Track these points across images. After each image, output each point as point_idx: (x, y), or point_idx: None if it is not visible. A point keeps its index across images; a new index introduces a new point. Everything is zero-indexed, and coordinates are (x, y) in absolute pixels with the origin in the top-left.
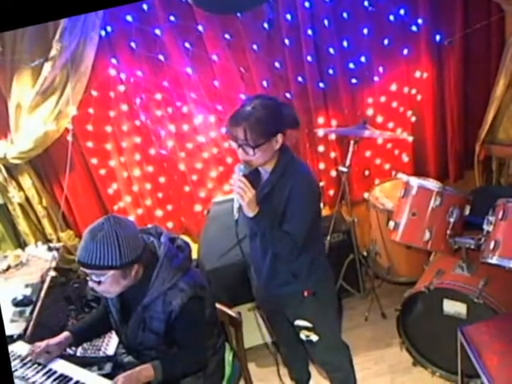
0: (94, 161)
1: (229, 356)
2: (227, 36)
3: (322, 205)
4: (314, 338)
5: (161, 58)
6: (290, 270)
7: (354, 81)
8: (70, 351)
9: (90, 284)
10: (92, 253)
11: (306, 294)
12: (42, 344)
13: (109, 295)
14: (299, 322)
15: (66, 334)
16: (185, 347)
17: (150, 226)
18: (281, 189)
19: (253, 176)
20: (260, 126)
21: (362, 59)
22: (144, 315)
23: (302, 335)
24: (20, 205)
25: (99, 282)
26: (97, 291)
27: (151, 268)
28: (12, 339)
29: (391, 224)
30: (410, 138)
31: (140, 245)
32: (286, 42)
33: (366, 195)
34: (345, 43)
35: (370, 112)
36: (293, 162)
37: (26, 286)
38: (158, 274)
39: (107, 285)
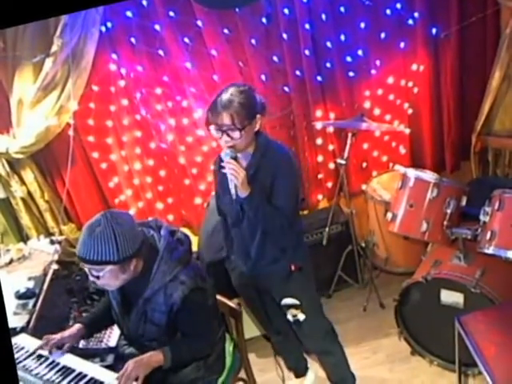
0: (95, 155)
1: (229, 347)
2: (226, 31)
3: (301, 179)
4: (301, 316)
5: (160, 53)
6: (278, 247)
7: (351, 74)
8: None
9: (91, 278)
10: (90, 249)
11: (293, 268)
12: (57, 336)
13: (109, 288)
14: (287, 301)
15: (78, 325)
16: (190, 336)
17: (150, 219)
18: (265, 168)
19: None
20: (244, 108)
21: (359, 53)
22: (145, 308)
23: (290, 316)
24: (22, 199)
25: (98, 277)
26: (98, 285)
27: (151, 261)
28: (15, 332)
29: (389, 215)
30: (407, 130)
31: (138, 239)
32: (284, 36)
33: (363, 187)
34: (342, 37)
35: (367, 105)
36: (270, 142)
37: (29, 278)
38: (159, 267)
39: (106, 279)
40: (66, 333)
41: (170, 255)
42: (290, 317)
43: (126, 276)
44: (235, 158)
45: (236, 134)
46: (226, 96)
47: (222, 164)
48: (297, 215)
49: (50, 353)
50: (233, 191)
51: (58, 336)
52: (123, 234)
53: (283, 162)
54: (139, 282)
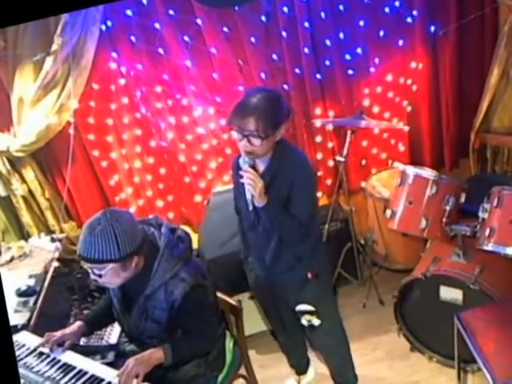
0: (96, 153)
1: (229, 343)
2: (225, 29)
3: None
4: (316, 322)
5: (160, 51)
6: (294, 254)
7: (350, 72)
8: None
9: (92, 277)
10: (91, 247)
11: (309, 275)
12: (57, 333)
13: (111, 286)
14: (301, 307)
15: (79, 323)
16: (190, 334)
17: (150, 216)
18: (283, 174)
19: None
20: (269, 116)
21: (359, 51)
22: (146, 305)
23: (304, 320)
24: (23, 197)
25: (100, 275)
26: (100, 283)
27: (152, 258)
28: (16, 329)
29: (388, 212)
30: (406, 128)
31: (139, 237)
32: (284, 34)
33: (363, 184)
34: (341, 35)
35: (366, 102)
36: (288, 148)
37: (30, 276)
38: (159, 265)
39: (108, 277)
40: (67, 330)
41: (171, 252)
42: (304, 322)
43: (128, 273)
44: (253, 166)
45: (257, 142)
46: (254, 100)
47: (240, 172)
48: (314, 223)
49: (51, 350)
50: (249, 200)
51: (58, 333)
52: (123, 232)
53: (301, 169)
54: (140, 279)
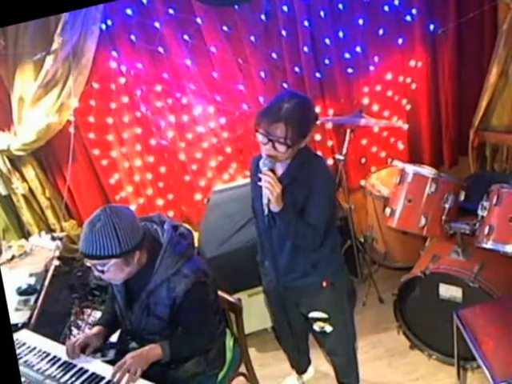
0: (96, 152)
1: (229, 342)
2: (225, 28)
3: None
4: (328, 328)
5: (160, 50)
6: (309, 261)
7: (349, 70)
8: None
9: (96, 273)
10: (92, 244)
11: (324, 284)
12: (80, 337)
13: (115, 282)
14: (314, 314)
15: (98, 327)
16: (190, 331)
17: (153, 214)
18: (301, 181)
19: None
20: (300, 126)
21: (358, 49)
22: (148, 301)
23: (316, 327)
24: (24, 196)
25: (103, 271)
26: (102, 279)
27: (155, 255)
28: (17, 327)
29: (387, 210)
30: (406, 126)
31: (139, 232)
32: (283, 33)
33: (362, 182)
34: (341, 34)
35: (365, 101)
36: (310, 154)
37: (30, 275)
38: (162, 261)
39: (111, 273)
40: (89, 333)
41: (174, 249)
42: (316, 328)
43: (130, 269)
44: (273, 170)
45: (282, 149)
46: (286, 106)
47: (260, 175)
48: (330, 231)
49: (74, 357)
50: (265, 204)
51: (81, 337)
52: (124, 227)
53: (320, 176)
54: (143, 275)
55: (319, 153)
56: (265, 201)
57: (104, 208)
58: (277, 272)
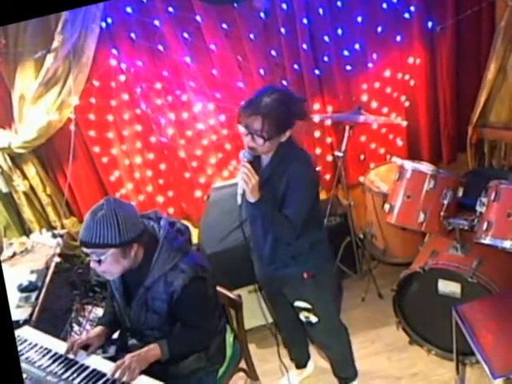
0: (96, 149)
1: (229, 338)
2: (225, 26)
3: (319, 190)
4: (314, 319)
5: (160, 48)
6: (289, 253)
7: (348, 68)
8: (75, 336)
9: (92, 265)
10: (92, 232)
11: (305, 275)
12: (82, 337)
13: (110, 276)
14: (299, 303)
15: (100, 327)
16: (189, 326)
17: (150, 211)
18: (280, 174)
19: (254, 161)
20: (277, 120)
21: (357, 46)
22: (146, 296)
23: (302, 316)
24: (25, 193)
25: (100, 262)
26: (99, 272)
27: (152, 251)
28: (18, 324)
29: (386, 207)
30: (404, 123)
31: (140, 226)
32: (282, 30)
33: (361, 179)
34: (339, 31)
35: (364, 98)
36: (292, 149)
37: (32, 272)
38: (159, 256)
39: (108, 264)
40: (91, 334)
41: (170, 244)
42: (302, 317)
43: (127, 262)
44: (251, 162)
45: (260, 141)
46: (266, 100)
47: (237, 165)
48: (311, 225)
49: (75, 355)
50: (239, 194)
51: (83, 337)
52: (125, 218)
53: (300, 170)
54: (140, 271)
55: (318, 149)
56: (240, 191)
57: (107, 198)
58: (261, 261)
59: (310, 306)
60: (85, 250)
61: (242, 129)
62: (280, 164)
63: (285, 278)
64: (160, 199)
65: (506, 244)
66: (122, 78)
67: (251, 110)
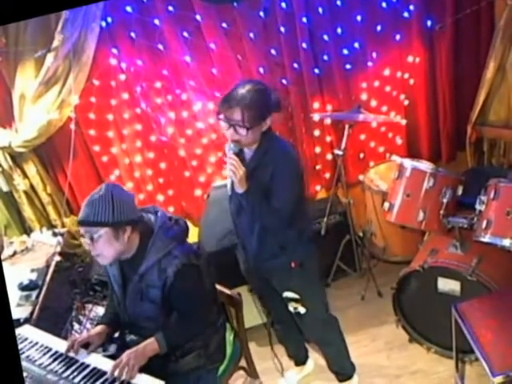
0: (97, 148)
1: (229, 336)
2: (224, 25)
3: (304, 180)
4: (302, 310)
5: (160, 47)
6: (277, 243)
7: (348, 66)
8: (76, 334)
9: (86, 247)
10: (88, 210)
11: (293, 265)
12: (83, 335)
13: (104, 260)
14: (287, 294)
15: (100, 326)
16: (183, 315)
17: (148, 206)
18: (264, 166)
19: (240, 154)
20: (256, 108)
21: (356, 45)
22: (141, 284)
23: (291, 307)
24: (25, 192)
25: (93, 239)
26: (93, 255)
27: (147, 240)
28: (19, 323)
29: (386, 205)
30: (404, 121)
31: (135, 212)
32: (282, 29)
33: (361, 177)
34: (339, 30)
35: (364, 96)
36: (275, 141)
37: (32, 270)
38: (154, 243)
39: (100, 244)
40: (92, 332)
41: (166, 233)
42: (291, 308)
43: (119, 246)
44: (238, 154)
45: (242, 132)
46: (241, 91)
47: (225, 158)
48: (298, 214)
49: (76, 353)
50: (229, 186)
51: (84, 335)
52: (121, 200)
53: (284, 160)
54: (136, 260)
55: (318, 148)
56: (229, 183)
57: (107, 182)
58: (248, 252)
59: (297, 295)
60: (81, 230)
61: (223, 124)
62: (265, 155)
63: (273, 269)
64: (160, 198)
65: (506, 242)
66: (122, 77)
67: (229, 104)
